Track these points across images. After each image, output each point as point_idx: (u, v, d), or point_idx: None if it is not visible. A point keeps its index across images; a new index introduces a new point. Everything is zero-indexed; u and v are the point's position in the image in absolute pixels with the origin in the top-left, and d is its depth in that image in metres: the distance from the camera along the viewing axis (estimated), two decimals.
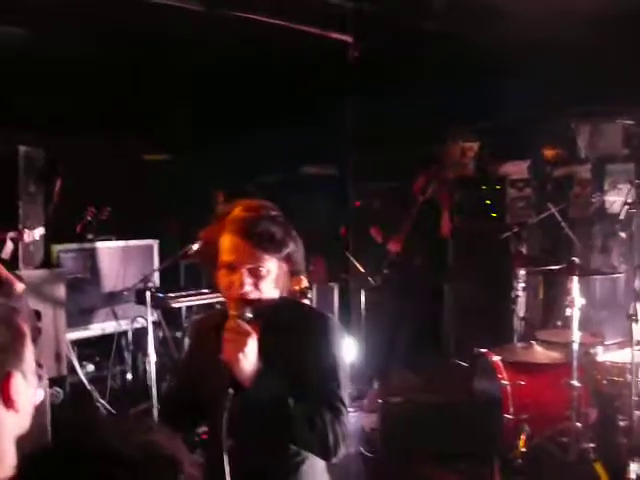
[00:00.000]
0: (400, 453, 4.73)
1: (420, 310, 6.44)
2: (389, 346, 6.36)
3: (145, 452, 0.91)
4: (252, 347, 1.91)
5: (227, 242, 1.98)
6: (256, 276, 1.97)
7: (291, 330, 2.04)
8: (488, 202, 6.90)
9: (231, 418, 1.87)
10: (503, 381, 4.34)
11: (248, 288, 1.96)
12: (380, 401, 5.19)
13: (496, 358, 4.48)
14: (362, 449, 5.11)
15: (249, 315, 1.95)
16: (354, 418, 6.07)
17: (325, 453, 1.99)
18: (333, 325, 2.09)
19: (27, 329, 1.20)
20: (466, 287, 6.69)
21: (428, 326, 6.39)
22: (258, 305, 1.98)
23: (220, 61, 6.24)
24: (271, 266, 1.99)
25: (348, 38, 5.94)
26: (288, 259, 2.03)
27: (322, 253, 7.74)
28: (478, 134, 7.48)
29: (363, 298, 6.65)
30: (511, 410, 4.26)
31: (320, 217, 8.10)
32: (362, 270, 6.88)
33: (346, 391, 2.03)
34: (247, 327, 1.93)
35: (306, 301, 5.75)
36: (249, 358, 1.90)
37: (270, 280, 2.00)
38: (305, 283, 5.87)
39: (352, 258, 6.93)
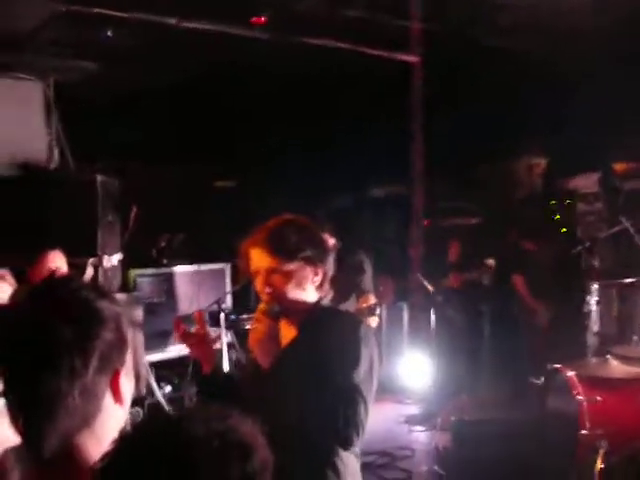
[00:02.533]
0: (473, 471, 4.67)
1: (492, 327, 6.37)
2: (461, 364, 6.31)
3: (222, 438, 0.97)
4: (270, 335, 2.17)
5: (252, 252, 2.25)
6: (276, 279, 2.19)
7: (321, 328, 2.18)
8: (557, 217, 6.79)
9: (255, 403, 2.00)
10: (578, 397, 4.25)
11: (269, 289, 2.20)
12: (453, 419, 5.15)
13: (571, 373, 4.39)
14: (436, 467, 5.08)
15: (275, 309, 2.20)
16: (427, 436, 6.04)
17: (336, 437, 2.06)
18: (361, 328, 2.18)
19: (129, 333, 1.31)
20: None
21: (500, 343, 6.31)
22: (286, 304, 2.20)
23: (288, 87, 6.38)
24: (289, 269, 2.19)
25: (414, 58, 5.99)
26: (310, 262, 2.21)
27: (391, 273, 7.75)
28: (545, 149, 7.40)
29: (433, 317, 6.63)
30: (587, 426, 4.17)
31: (389, 237, 8.13)
32: (431, 289, 6.86)
33: (367, 387, 2.09)
34: (267, 318, 2.20)
35: (374, 319, 5.77)
36: (265, 345, 2.17)
37: (294, 282, 2.20)
38: (373, 301, 5.89)
39: (421, 277, 6.92)
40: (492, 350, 6.19)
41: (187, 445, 0.95)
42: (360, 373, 2.08)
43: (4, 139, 5.24)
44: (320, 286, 2.26)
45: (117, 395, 1.25)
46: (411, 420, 6.42)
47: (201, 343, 2.30)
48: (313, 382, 2.05)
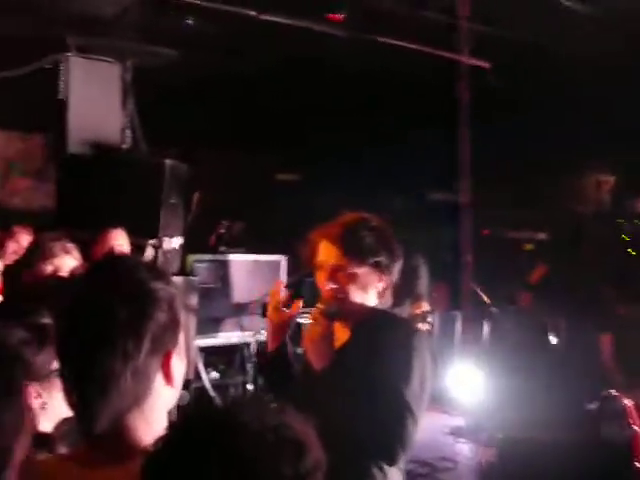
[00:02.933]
0: None
1: (548, 345, 6.23)
2: (512, 380, 6.19)
3: (277, 433, 0.96)
4: (324, 336, 2.12)
5: (321, 245, 2.20)
6: (341, 277, 2.14)
7: (375, 334, 2.13)
8: (626, 238, 6.60)
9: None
10: (635, 427, 4.13)
11: (332, 286, 2.15)
12: (500, 435, 5.06)
13: (627, 402, 4.26)
14: None
15: (333, 310, 2.14)
16: (471, 451, 5.95)
17: (381, 452, 2.02)
18: (415, 338, 2.13)
19: (181, 315, 1.32)
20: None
21: (556, 362, 6.17)
22: (345, 305, 2.15)
23: (358, 84, 6.37)
24: (356, 271, 2.14)
25: (485, 64, 5.90)
26: (378, 269, 2.16)
27: (446, 280, 7.66)
28: (614, 167, 7.20)
29: (486, 328, 6.53)
30: None
31: (445, 244, 8.03)
32: (487, 300, 6.76)
33: (418, 401, 2.03)
34: (324, 318, 2.14)
35: (426, 326, 5.72)
36: (319, 346, 2.12)
37: (358, 285, 2.15)
38: (426, 307, 5.85)
39: (477, 287, 6.82)
40: (548, 369, 6.05)
41: (241, 438, 0.94)
42: (412, 386, 2.03)
43: (81, 118, 5.37)
44: (383, 293, 2.21)
45: (168, 376, 1.26)
46: (456, 432, 6.34)
47: (277, 310, 2.30)
48: (363, 390, 2.01)
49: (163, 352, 1.25)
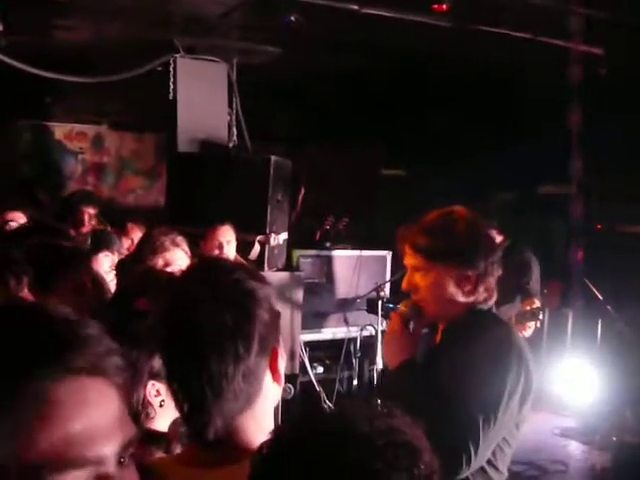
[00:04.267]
0: None
1: None
2: (628, 380, 5.90)
3: (388, 437, 0.92)
4: (397, 336, 2.10)
5: (404, 244, 2.18)
6: (417, 278, 2.10)
7: (462, 339, 2.04)
8: None
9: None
10: None
11: (409, 287, 2.12)
12: (614, 439, 4.83)
13: None
14: None
15: (407, 311, 2.14)
16: (583, 453, 5.73)
17: (443, 463, 1.85)
18: (505, 349, 1.97)
19: (278, 311, 1.33)
20: None
21: None
22: (425, 306, 2.10)
23: (463, 78, 6.24)
24: (429, 271, 2.07)
25: (599, 51, 5.63)
26: (453, 267, 2.05)
27: (559, 277, 7.39)
28: None
29: (600, 328, 6.27)
30: None
31: (557, 240, 7.76)
32: (600, 298, 6.47)
33: (493, 410, 1.86)
34: (399, 320, 2.12)
35: (535, 323, 5.53)
36: (390, 345, 2.12)
37: (435, 285, 2.07)
38: (537, 304, 5.65)
39: (590, 284, 6.54)
40: None
41: (351, 444, 0.91)
42: (489, 394, 1.89)
43: (189, 117, 5.54)
44: (471, 291, 2.06)
45: (276, 374, 1.28)
46: (567, 433, 6.11)
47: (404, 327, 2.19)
48: (439, 398, 1.91)
49: (270, 350, 1.26)
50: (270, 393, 1.28)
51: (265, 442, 0.98)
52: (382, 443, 0.91)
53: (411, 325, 2.17)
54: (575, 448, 5.86)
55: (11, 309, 0.88)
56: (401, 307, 2.19)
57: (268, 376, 1.27)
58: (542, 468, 5.28)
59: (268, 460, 0.96)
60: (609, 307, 6.21)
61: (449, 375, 1.96)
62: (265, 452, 0.97)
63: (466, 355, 1.97)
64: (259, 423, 1.25)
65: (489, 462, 2.00)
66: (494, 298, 2.13)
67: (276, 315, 1.30)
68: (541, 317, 5.71)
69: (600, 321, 6.29)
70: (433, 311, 2.13)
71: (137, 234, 5.02)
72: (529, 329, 4.51)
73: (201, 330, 1.22)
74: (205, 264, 1.45)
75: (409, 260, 2.14)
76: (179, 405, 1.27)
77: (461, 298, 2.08)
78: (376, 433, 0.92)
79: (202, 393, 1.22)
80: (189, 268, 1.50)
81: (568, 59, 5.53)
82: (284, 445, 0.96)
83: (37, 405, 0.75)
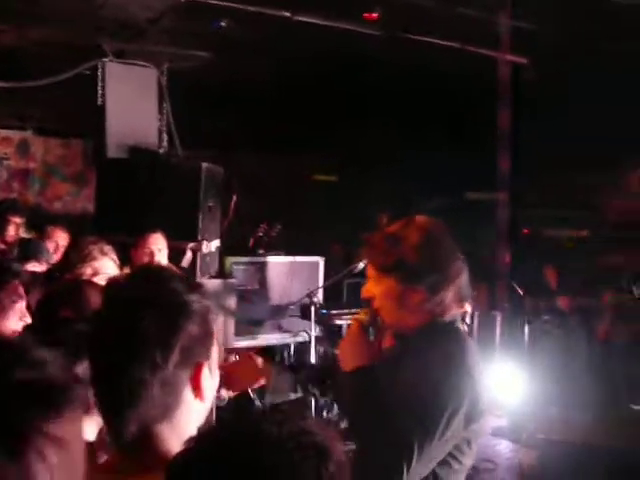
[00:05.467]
0: None
1: (591, 346, 6.12)
2: (555, 380, 6.09)
3: (296, 440, 0.95)
4: (352, 342, 2.10)
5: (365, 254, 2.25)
6: (375, 288, 2.09)
7: (412, 352, 2.00)
8: None
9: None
10: None
11: (367, 294, 2.12)
12: (541, 437, 4.97)
13: None
14: None
15: (367, 318, 2.13)
16: (512, 452, 5.87)
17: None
18: (452, 365, 1.92)
19: (215, 327, 1.32)
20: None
21: (599, 363, 6.06)
22: (383, 316, 2.10)
23: (389, 85, 6.33)
24: (381, 283, 2.07)
25: (523, 60, 5.82)
26: (405, 282, 2.00)
27: (486, 281, 7.58)
28: None
29: (527, 329, 6.45)
30: None
31: (484, 244, 7.95)
32: (527, 300, 6.67)
33: (430, 424, 1.82)
34: (357, 327, 2.12)
35: (463, 326, 5.66)
36: (346, 350, 2.09)
37: (384, 297, 2.06)
38: (464, 309, 5.78)
39: (517, 287, 6.74)
40: (591, 370, 5.94)
41: (260, 447, 0.94)
42: (433, 420, 1.83)
43: (118, 123, 5.44)
44: (418, 305, 2.01)
45: (198, 390, 1.26)
46: (497, 433, 6.26)
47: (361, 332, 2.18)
48: (381, 411, 1.89)
49: (193, 364, 1.25)
50: (192, 408, 1.26)
51: (180, 451, 1.00)
52: (290, 445, 0.94)
53: (371, 333, 2.16)
54: (504, 447, 6.01)
55: None
56: (361, 314, 2.18)
57: (189, 390, 1.25)
58: (473, 467, 5.37)
59: (180, 467, 0.97)
60: (535, 309, 6.41)
61: (394, 388, 1.93)
62: (178, 460, 0.98)
63: (412, 370, 1.94)
64: (179, 434, 1.24)
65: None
66: (454, 311, 2.07)
67: (208, 332, 1.28)
68: (467, 321, 5.84)
69: (527, 322, 6.47)
70: (388, 320, 2.10)
71: (60, 236, 4.91)
72: None
73: (120, 334, 1.22)
74: (145, 271, 1.43)
75: (369, 268, 2.14)
76: (100, 410, 1.27)
77: (416, 314, 2.04)
78: (285, 436, 0.95)
79: (119, 398, 1.22)
80: (130, 273, 1.48)
81: (495, 67, 5.69)
82: (195, 452, 0.98)
83: None
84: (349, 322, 2.31)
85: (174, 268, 4.46)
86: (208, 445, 0.98)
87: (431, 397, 1.85)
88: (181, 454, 1.00)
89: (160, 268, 1.40)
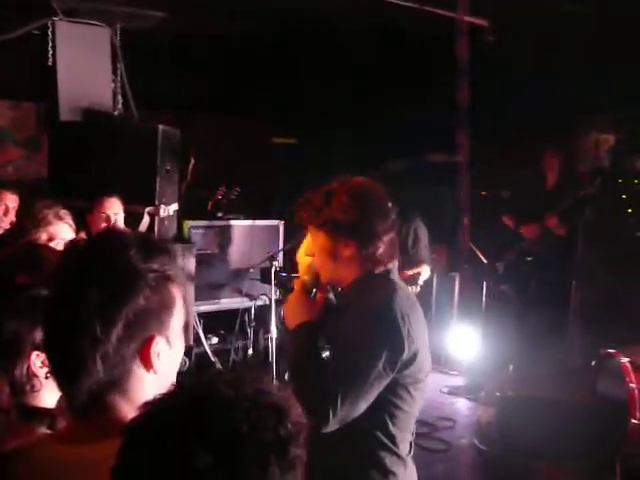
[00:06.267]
0: (515, 448, 4.63)
1: (545, 303, 6.25)
2: (509, 338, 6.23)
3: (253, 400, 0.95)
4: (295, 299, 2.22)
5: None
6: (312, 245, 2.23)
7: (346, 303, 2.18)
8: (624, 197, 6.57)
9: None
10: (631, 384, 4.15)
11: (308, 252, 2.27)
12: (498, 394, 5.10)
13: (624, 360, 4.29)
14: (476, 442, 5.06)
15: (308, 278, 2.25)
16: (470, 409, 6.01)
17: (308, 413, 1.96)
18: (375, 313, 2.07)
19: (179, 296, 1.27)
20: (596, 284, 6.42)
21: (552, 320, 6.20)
22: (320, 272, 2.22)
23: (352, 45, 6.26)
24: (317, 239, 2.19)
25: (483, 22, 5.80)
26: (336, 235, 2.14)
27: (445, 242, 7.66)
28: (614, 125, 7.13)
29: (484, 289, 6.56)
30: (638, 415, 4.08)
31: (444, 206, 8.01)
32: (484, 260, 6.77)
33: (350, 384, 1.98)
34: (299, 286, 2.25)
35: (416, 288, 5.72)
36: (289, 310, 2.21)
37: (320, 252, 2.19)
38: (418, 270, 5.83)
39: (475, 248, 6.83)
40: (543, 326, 6.08)
41: (216, 408, 0.94)
42: (360, 362, 2.00)
43: (71, 84, 5.29)
44: (351, 258, 2.16)
45: (147, 363, 1.22)
46: (455, 391, 6.40)
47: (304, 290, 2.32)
48: (318, 358, 2.09)
49: (142, 338, 1.21)
50: (144, 379, 1.23)
51: (134, 416, 0.99)
52: (247, 406, 0.94)
53: (314, 292, 2.26)
54: (462, 405, 6.15)
55: None
56: (303, 274, 2.28)
57: (139, 363, 1.21)
58: (431, 425, 5.50)
59: (134, 433, 0.97)
60: (491, 269, 6.51)
61: (330, 336, 2.11)
62: (132, 426, 0.98)
63: (345, 321, 2.10)
64: (134, 402, 1.20)
65: (383, 429, 2.08)
66: (385, 264, 2.19)
67: (165, 303, 1.23)
68: (420, 282, 5.92)
69: (484, 283, 6.57)
70: (325, 276, 2.23)
71: (9, 198, 4.80)
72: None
73: (64, 304, 1.20)
74: (100, 238, 1.39)
75: (306, 226, 2.24)
76: (54, 377, 1.26)
77: (351, 267, 2.17)
78: (241, 397, 0.95)
79: (67, 367, 1.21)
80: (87, 239, 1.45)
81: (454, 29, 5.66)
82: (149, 417, 0.97)
83: None
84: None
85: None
86: (162, 409, 0.97)
87: (354, 344, 2.03)
88: (135, 420, 0.98)
89: (120, 235, 1.35)
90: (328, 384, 1.97)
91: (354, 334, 2.04)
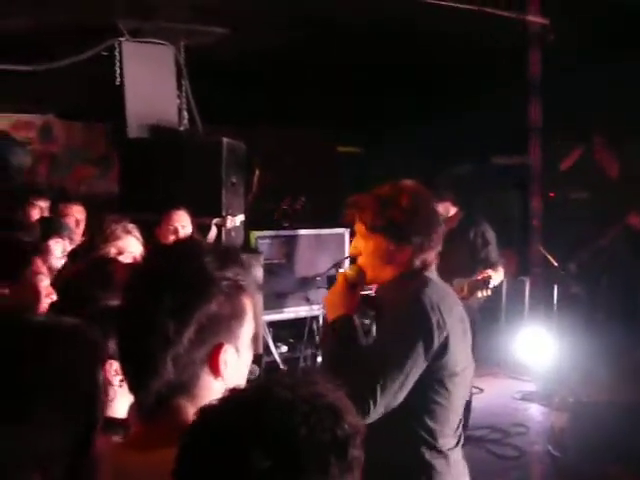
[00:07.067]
0: (589, 455, 4.50)
1: (620, 306, 6.07)
2: (583, 343, 6.06)
3: (310, 402, 0.96)
4: (336, 293, 2.26)
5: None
6: (360, 245, 2.27)
7: (385, 301, 2.25)
8: None
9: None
10: None
11: (354, 251, 2.30)
12: (571, 400, 4.97)
13: None
14: (550, 448, 4.94)
15: (353, 274, 2.28)
16: (543, 415, 5.87)
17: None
18: (407, 305, 2.14)
19: (250, 307, 1.29)
20: None
21: (629, 323, 6.00)
22: (365, 271, 2.25)
23: (415, 51, 6.24)
24: (370, 241, 2.22)
25: (545, 21, 5.70)
26: (388, 238, 2.18)
27: (515, 246, 7.52)
28: None
29: (556, 292, 6.41)
30: None
31: (511, 209, 7.88)
32: (555, 263, 6.61)
33: (387, 381, 2.03)
34: (342, 279, 2.28)
35: (487, 292, 5.62)
36: (330, 301, 2.27)
37: (371, 254, 2.23)
38: (488, 274, 5.73)
39: (545, 251, 6.68)
40: (615, 329, 5.89)
41: (274, 412, 0.94)
42: (397, 354, 2.06)
43: (138, 102, 5.45)
44: (404, 263, 2.20)
45: (215, 370, 1.23)
46: (527, 397, 6.26)
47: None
48: (357, 351, 2.16)
49: (211, 344, 1.23)
50: (212, 386, 1.24)
51: (192, 421, 1.01)
52: (304, 408, 0.95)
53: (357, 287, 2.31)
54: (535, 410, 6.01)
55: None
56: (347, 269, 2.35)
57: (207, 368, 1.23)
58: (504, 431, 5.40)
59: (192, 437, 0.98)
60: (563, 272, 6.36)
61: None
62: (190, 430, 0.99)
63: (383, 316, 2.22)
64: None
65: (420, 423, 2.13)
66: (431, 269, 2.25)
67: (236, 312, 1.25)
68: (491, 286, 5.81)
69: (556, 286, 6.43)
70: (370, 276, 2.28)
71: (77, 210, 4.96)
72: (481, 297, 4.61)
73: (142, 307, 1.23)
74: (175, 247, 1.42)
75: (357, 226, 2.28)
76: (127, 384, 1.29)
77: (396, 268, 2.22)
78: (298, 399, 0.96)
79: (138, 371, 1.24)
80: (162, 248, 1.49)
81: (517, 30, 5.58)
82: (207, 421, 0.99)
83: None
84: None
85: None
86: (219, 413, 0.99)
87: (389, 336, 2.13)
88: (193, 424, 1.00)
89: (193, 243, 1.39)
90: (367, 375, 2.03)
91: (389, 326, 2.15)
